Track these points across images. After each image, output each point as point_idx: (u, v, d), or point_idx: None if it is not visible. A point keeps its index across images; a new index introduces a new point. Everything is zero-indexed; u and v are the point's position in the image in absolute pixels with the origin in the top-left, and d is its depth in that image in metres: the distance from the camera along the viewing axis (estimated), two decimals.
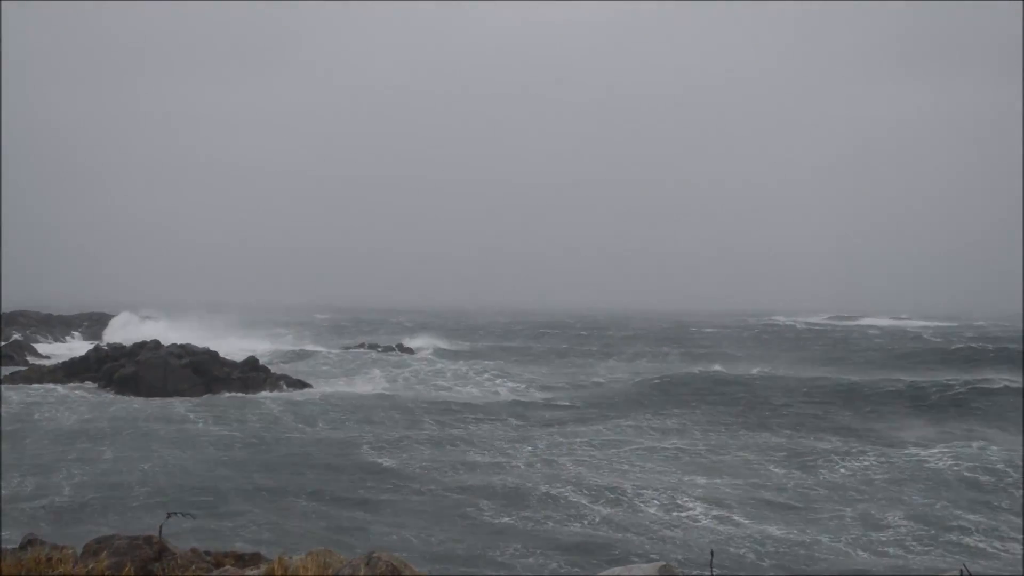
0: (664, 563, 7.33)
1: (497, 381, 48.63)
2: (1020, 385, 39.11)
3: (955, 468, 24.63)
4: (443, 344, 77.09)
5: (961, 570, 5.94)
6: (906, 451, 27.68)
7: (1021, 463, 24.48)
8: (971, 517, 19.74)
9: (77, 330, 79.45)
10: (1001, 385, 39.81)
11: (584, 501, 20.93)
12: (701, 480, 23.52)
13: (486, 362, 59.81)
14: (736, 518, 19.74)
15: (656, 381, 45.04)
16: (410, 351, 69.35)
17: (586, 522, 19.29)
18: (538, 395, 42.10)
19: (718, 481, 23.43)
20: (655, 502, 20.98)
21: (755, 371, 52.33)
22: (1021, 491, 21.77)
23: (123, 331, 71.68)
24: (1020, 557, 16.91)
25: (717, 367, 55.33)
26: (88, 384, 42.30)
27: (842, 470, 24.98)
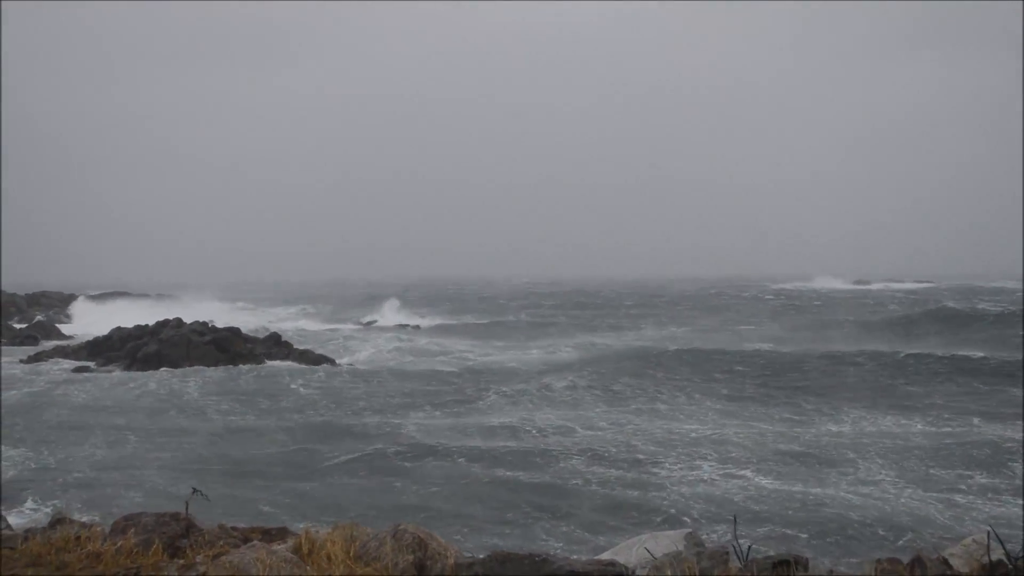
0: (690, 530, 7.35)
1: (521, 350, 48.70)
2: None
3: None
4: (460, 319, 77.11)
5: (988, 533, 5.91)
6: (930, 418, 27.65)
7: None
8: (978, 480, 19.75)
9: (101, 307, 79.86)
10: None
11: (609, 465, 21.01)
12: (717, 440, 23.54)
13: (509, 332, 59.96)
14: (751, 476, 19.87)
15: (686, 348, 45.02)
16: (426, 325, 69.54)
17: (614, 486, 19.41)
18: (564, 357, 42.11)
19: (738, 443, 23.44)
20: (675, 463, 21.09)
21: (777, 341, 52.25)
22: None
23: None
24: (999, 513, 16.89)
25: (740, 335, 55.28)
26: (112, 363, 42.57)
27: (855, 432, 24.96)
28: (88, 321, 64.94)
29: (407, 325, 69.34)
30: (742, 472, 20.55)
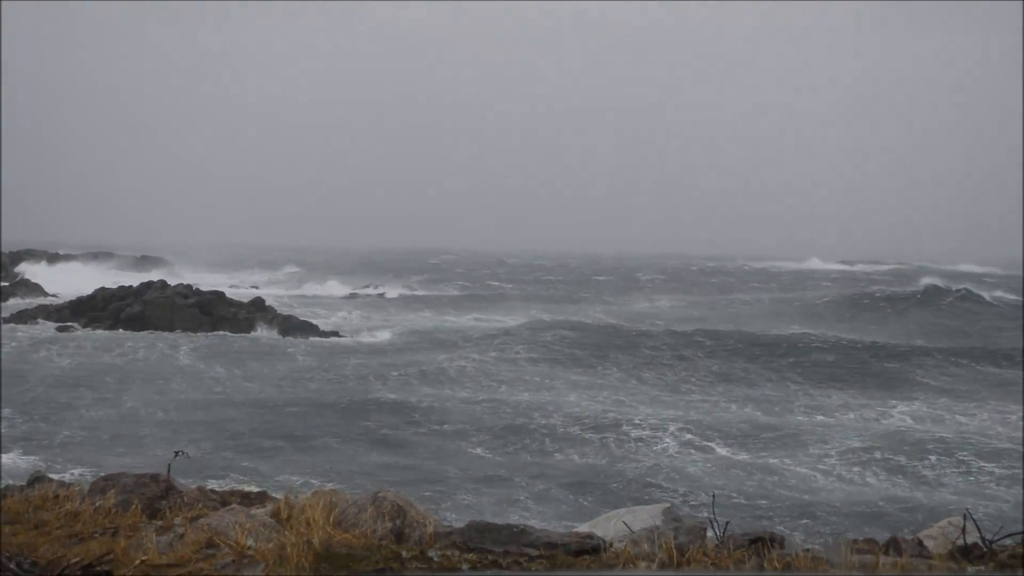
0: (667, 505, 7.38)
1: (499, 320, 48.60)
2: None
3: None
4: (442, 291, 76.91)
5: (964, 514, 5.95)
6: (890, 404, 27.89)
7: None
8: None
9: (88, 267, 79.24)
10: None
11: (582, 433, 21.21)
12: (687, 415, 23.69)
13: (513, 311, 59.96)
14: (719, 450, 20.19)
15: (665, 327, 45.08)
16: (409, 294, 69.41)
17: (585, 455, 19.68)
18: (541, 329, 41.96)
19: (699, 416, 23.63)
20: (647, 435, 21.33)
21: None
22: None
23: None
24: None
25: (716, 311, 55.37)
26: (95, 324, 42.31)
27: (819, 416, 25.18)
28: (67, 280, 64.43)
29: (385, 294, 69.12)
30: (709, 444, 20.87)
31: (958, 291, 58.91)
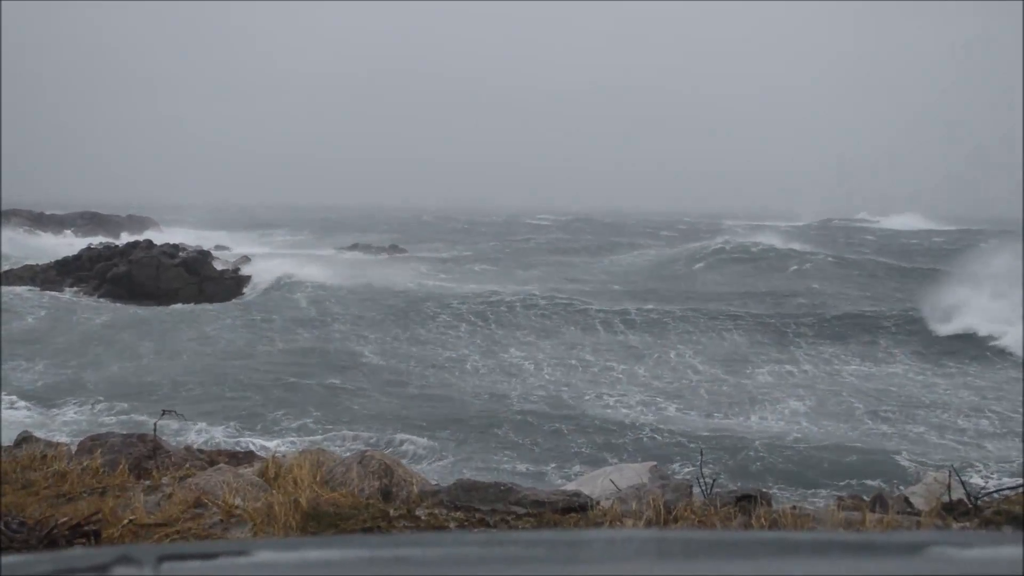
0: (654, 463, 7.43)
1: (496, 283, 48.52)
2: None
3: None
4: (446, 252, 76.53)
5: (949, 471, 6.00)
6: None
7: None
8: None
9: (70, 229, 78.88)
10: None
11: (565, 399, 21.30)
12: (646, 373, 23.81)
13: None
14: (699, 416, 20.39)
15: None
16: (400, 255, 69.12)
17: (557, 414, 19.81)
18: (523, 291, 41.96)
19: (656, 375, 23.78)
20: (631, 399, 21.49)
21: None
22: None
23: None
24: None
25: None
26: (81, 284, 42.16)
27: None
28: (53, 240, 64.13)
29: (390, 248, 68.88)
30: (691, 409, 21.06)
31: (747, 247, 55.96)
